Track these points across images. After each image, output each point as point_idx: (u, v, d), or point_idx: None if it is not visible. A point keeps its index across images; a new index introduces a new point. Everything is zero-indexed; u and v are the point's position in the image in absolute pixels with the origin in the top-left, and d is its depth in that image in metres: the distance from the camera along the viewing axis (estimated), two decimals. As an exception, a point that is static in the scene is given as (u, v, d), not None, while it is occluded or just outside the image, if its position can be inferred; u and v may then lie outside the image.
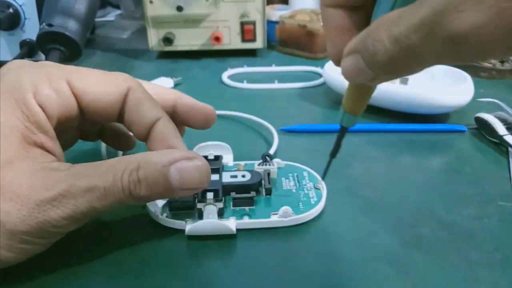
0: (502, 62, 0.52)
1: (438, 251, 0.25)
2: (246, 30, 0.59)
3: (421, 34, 0.15)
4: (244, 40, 0.60)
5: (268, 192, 0.28)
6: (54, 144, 0.23)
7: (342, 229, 0.26)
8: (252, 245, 0.25)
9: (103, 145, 0.35)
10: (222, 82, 0.52)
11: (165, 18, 0.58)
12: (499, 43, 0.13)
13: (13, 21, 0.52)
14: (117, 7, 0.90)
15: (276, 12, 0.68)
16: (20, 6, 0.52)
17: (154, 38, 0.60)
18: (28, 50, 0.53)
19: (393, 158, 0.35)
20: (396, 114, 0.41)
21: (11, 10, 0.52)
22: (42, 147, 0.22)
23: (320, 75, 0.54)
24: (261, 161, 0.30)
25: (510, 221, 0.27)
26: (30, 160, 0.21)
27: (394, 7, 0.17)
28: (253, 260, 0.24)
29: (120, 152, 0.34)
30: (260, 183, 0.28)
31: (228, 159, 0.32)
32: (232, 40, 0.60)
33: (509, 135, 0.35)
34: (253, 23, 0.59)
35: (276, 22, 0.65)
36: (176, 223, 0.26)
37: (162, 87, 0.30)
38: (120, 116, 0.26)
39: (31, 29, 0.53)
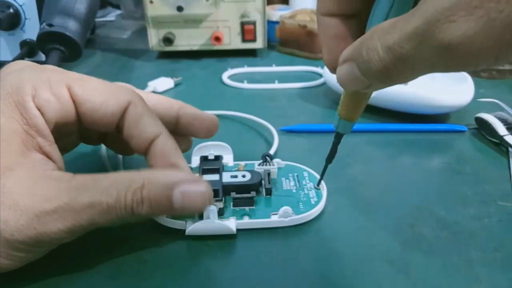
0: (502, 62, 0.52)
1: (438, 251, 0.25)
2: (246, 30, 0.59)
3: (413, 43, 0.15)
4: (244, 40, 0.60)
5: (268, 192, 0.28)
6: (53, 149, 0.23)
7: (342, 229, 0.26)
8: (252, 245, 0.25)
9: (103, 147, 0.35)
10: (222, 82, 0.52)
11: (165, 18, 0.58)
12: (489, 53, 0.14)
13: (13, 21, 0.52)
14: (117, 7, 0.90)
15: (276, 12, 0.68)
16: (20, 6, 0.52)
17: (154, 38, 0.60)
18: (28, 50, 0.53)
19: (393, 158, 0.35)
20: (396, 114, 0.41)
21: (11, 10, 0.52)
22: (41, 152, 0.22)
23: (320, 75, 0.54)
24: (261, 161, 0.30)
25: (510, 221, 0.27)
26: (30, 167, 0.21)
27: (388, 16, 0.18)
28: (253, 260, 0.24)
29: (120, 156, 0.34)
30: (260, 183, 0.28)
31: (228, 159, 0.32)
32: (232, 40, 0.60)
33: (509, 135, 0.35)
34: (253, 23, 0.59)
35: (276, 22, 0.65)
36: (177, 223, 0.26)
37: (166, 98, 0.30)
38: (119, 128, 0.25)
39: (31, 29, 0.53)
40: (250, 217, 0.26)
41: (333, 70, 0.20)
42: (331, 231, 0.26)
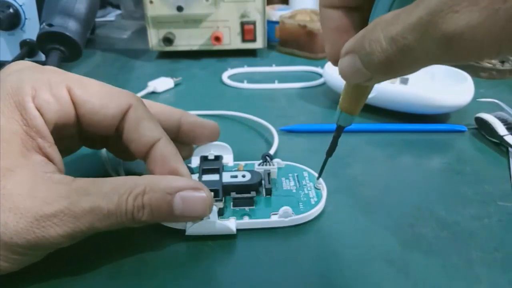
0: (502, 62, 0.52)
1: (438, 251, 0.25)
2: (246, 30, 0.59)
3: (417, 34, 0.15)
4: (244, 40, 0.60)
5: (268, 192, 0.28)
6: (53, 150, 0.23)
7: (342, 229, 0.26)
8: (252, 245, 0.25)
9: (103, 149, 0.34)
10: (222, 82, 0.52)
11: (165, 18, 0.58)
12: (493, 43, 0.14)
13: (13, 21, 0.52)
14: (117, 7, 0.90)
15: (276, 12, 0.68)
16: (20, 6, 0.52)
17: (154, 38, 0.60)
18: (28, 50, 0.53)
19: (393, 158, 0.35)
20: (396, 114, 0.41)
21: (11, 10, 0.52)
22: (41, 153, 0.22)
23: (320, 75, 0.54)
24: (261, 161, 0.30)
25: (510, 221, 0.27)
26: (31, 169, 0.21)
27: (391, 8, 0.18)
28: (253, 260, 0.24)
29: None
30: (260, 183, 0.28)
31: (228, 159, 0.32)
32: (232, 40, 0.60)
33: (509, 135, 0.35)
34: (253, 23, 0.59)
35: (276, 22, 0.65)
36: (177, 223, 0.26)
37: (167, 107, 0.30)
38: (119, 131, 0.25)
39: (31, 29, 0.53)
40: (250, 217, 0.26)
41: (335, 62, 0.20)
42: (331, 231, 0.26)
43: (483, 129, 0.38)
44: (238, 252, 0.25)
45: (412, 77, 0.42)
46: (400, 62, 0.16)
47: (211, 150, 0.32)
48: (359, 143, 0.37)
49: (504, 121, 0.36)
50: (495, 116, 0.37)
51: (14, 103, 0.22)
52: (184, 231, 0.25)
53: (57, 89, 0.23)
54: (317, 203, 0.27)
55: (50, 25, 0.48)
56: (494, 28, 0.13)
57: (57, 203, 0.20)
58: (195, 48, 0.61)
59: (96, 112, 0.24)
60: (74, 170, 0.28)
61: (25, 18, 0.53)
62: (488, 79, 0.51)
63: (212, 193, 0.26)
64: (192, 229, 0.25)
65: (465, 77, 0.41)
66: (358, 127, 0.39)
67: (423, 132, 0.39)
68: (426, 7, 0.14)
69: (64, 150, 0.27)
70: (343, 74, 0.19)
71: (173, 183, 0.23)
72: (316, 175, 0.30)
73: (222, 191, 0.27)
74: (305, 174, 0.30)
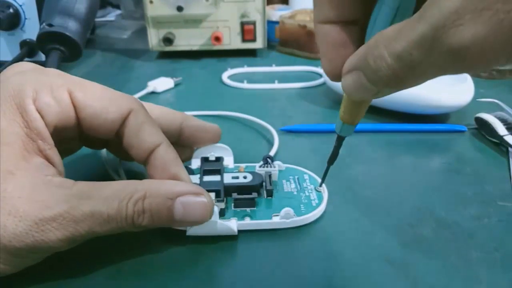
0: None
1: (438, 251, 0.25)
2: (246, 30, 0.59)
3: (422, 50, 0.15)
4: (244, 40, 0.60)
5: (270, 193, 0.28)
6: (53, 152, 0.23)
7: (342, 230, 0.26)
8: (253, 246, 0.25)
9: (104, 149, 0.34)
10: (222, 82, 0.52)
11: (165, 18, 0.58)
12: (501, 54, 0.13)
13: (13, 21, 0.52)
14: (117, 7, 0.90)
15: (276, 12, 0.68)
16: (20, 6, 0.52)
17: (154, 38, 0.60)
18: (28, 50, 0.53)
19: (393, 158, 0.35)
20: (396, 114, 0.41)
21: (11, 10, 0.52)
22: (42, 155, 0.22)
23: (320, 75, 0.54)
24: (262, 163, 0.30)
25: (510, 221, 0.27)
26: (31, 171, 0.21)
27: (393, 22, 0.17)
28: (254, 261, 0.24)
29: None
30: (261, 185, 0.28)
31: (228, 161, 0.31)
32: (232, 40, 0.60)
33: (509, 135, 0.35)
34: (253, 23, 0.59)
35: (276, 22, 0.65)
36: (177, 224, 0.26)
37: (169, 110, 0.30)
38: (119, 136, 0.25)
39: (31, 29, 0.53)
40: (252, 218, 0.26)
41: (333, 77, 0.20)
42: (331, 231, 0.26)
43: (483, 129, 0.38)
44: (239, 253, 0.25)
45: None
46: (408, 77, 0.16)
47: (211, 152, 0.32)
48: (359, 143, 0.37)
49: (504, 121, 0.36)
50: (495, 116, 0.37)
51: (15, 105, 0.22)
52: (185, 231, 0.25)
53: (58, 92, 0.23)
54: (318, 205, 0.27)
55: (50, 25, 0.48)
56: (500, 39, 0.13)
57: (57, 206, 0.20)
58: (195, 48, 0.61)
59: (96, 116, 0.24)
60: (74, 170, 0.28)
61: (25, 18, 0.53)
62: (488, 79, 0.51)
63: (214, 199, 0.26)
64: (193, 229, 0.25)
65: (465, 77, 0.41)
66: (359, 127, 0.38)
67: (423, 132, 0.39)
68: (428, 22, 0.14)
69: (64, 151, 0.27)
70: (348, 91, 0.19)
71: (173, 188, 0.23)
72: (317, 177, 0.30)
73: (223, 192, 0.27)
74: (306, 177, 0.30)
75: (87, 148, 0.31)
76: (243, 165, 0.31)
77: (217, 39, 0.59)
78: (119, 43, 0.72)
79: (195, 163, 0.31)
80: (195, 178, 0.28)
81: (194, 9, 0.57)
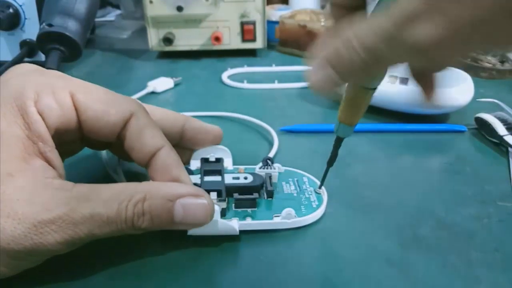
0: (502, 62, 0.52)
1: (438, 252, 0.25)
2: (246, 30, 0.59)
3: (388, 44, 0.16)
4: (244, 40, 0.60)
5: (270, 194, 0.28)
6: (53, 155, 0.22)
7: (343, 230, 0.26)
8: (253, 246, 0.25)
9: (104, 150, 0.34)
10: (222, 82, 0.52)
11: (165, 18, 0.58)
12: (458, 49, 0.15)
13: (13, 21, 0.52)
14: (117, 7, 0.90)
15: (276, 12, 0.68)
16: (20, 6, 0.52)
17: (154, 38, 0.60)
18: (28, 50, 0.53)
19: (393, 158, 0.35)
20: (396, 114, 0.41)
21: (11, 10, 0.52)
22: (42, 157, 0.22)
23: (320, 75, 0.54)
24: (261, 164, 0.30)
25: (510, 221, 0.27)
26: (31, 174, 0.21)
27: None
28: (255, 262, 0.24)
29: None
30: (262, 185, 0.28)
31: (227, 162, 0.31)
32: (232, 40, 0.60)
33: (509, 135, 0.35)
34: (253, 23, 0.59)
35: (276, 22, 0.65)
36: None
37: (171, 112, 0.30)
38: (121, 139, 0.25)
39: (31, 29, 0.53)
40: (253, 218, 0.26)
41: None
42: (331, 231, 0.26)
43: (483, 129, 0.38)
44: (240, 254, 0.25)
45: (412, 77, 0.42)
46: (375, 67, 0.17)
47: (210, 153, 0.31)
48: (359, 143, 0.37)
49: (504, 121, 0.36)
50: (495, 116, 0.37)
51: (17, 106, 0.22)
52: (186, 232, 0.25)
53: (60, 94, 0.23)
54: (318, 206, 0.27)
55: (50, 25, 0.48)
56: (456, 36, 0.14)
57: (56, 209, 0.20)
58: (195, 48, 0.61)
59: (98, 119, 0.24)
60: (74, 170, 0.28)
61: (25, 18, 0.53)
62: (488, 79, 0.51)
63: (215, 198, 0.26)
64: (195, 229, 0.25)
65: (465, 77, 0.41)
66: (358, 127, 0.38)
67: (423, 132, 0.39)
68: (392, 20, 0.15)
69: (65, 152, 0.27)
70: (317, 86, 0.19)
71: (173, 190, 0.23)
72: (316, 180, 0.30)
73: (225, 191, 0.27)
74: (305, 179, 0.30)
75: (88, 148, 0.31)
76: (242, 167, 0.31)
77: (217, 39, 0.59)
78: (119, 43, 0.72)
79: (194, 164, 0.31)
80: (195, 179, 0.28)
81: (194, 9, 0.57)
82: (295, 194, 0.29)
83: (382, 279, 0.23)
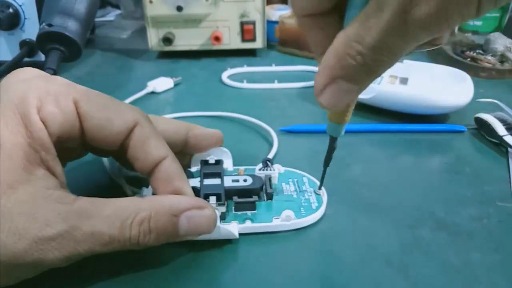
0: (501, 62, 0.52)
1: (437, 252, 0.25)
2: (246, 30, 0.59)
3: (394, 34, 0.16)
4: (244, 40, 0.60)
5: (270, 196, 0.28)
6: (55, 163, 0.22)
7: (342, 230, 0.26)
8: (253, 248, 0.25)
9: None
10: (222, 82, 0.52)
11: (165, 18, 0.58)
12: (449, 21, 0.16)
13: (13, 21, 0.52)
14: (117, 7, 0.90)
15: (276, 12, 0.68)
16: (20, 6, 0.52)
17: (154, 38, 0.60)
18: (28, 50, 0.53)
19: (393, 158, 0.35)
20: (396, 114, 0.41)
21: (11, 10, 0.52)
22: (44, 166, 0.22)
23: (320, 75, 0.54)
24: (261, 166, 0.30)
25: (510, 222, 0.27)
26: (32, 185, 0.21)
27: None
28: (255, 264, 0.24)
29: None
30: (262, 188, 0.28)
31: (227, 164, 0.31)
32: (232, 40, 0.60)
33: (509, 136, 0.35)
34: (253, 23, 0.59)
35: (276, 22, 0.65)
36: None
37: (174, 121, 0.30)
38: (124, 148, 0.25)
39: (31, 29, 0.53)
40: (252, 221, 0.26)
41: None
42: (331, 232, 0.26)
43: (483, 129, 0.38)
44: (239, 256, 0.25)
45: (412, 77, 0.42)
46: (388, 60, 0.17)
47: (211, 155, 0.31)
48: (359, 143, 0.37)
49: (503, 121, 0.36)
50: (495, 116, 0.37)
51: (19, 114, 0.21)
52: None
53: (64, 101, 0.23)
54: (318, 207, 0.27)
55: (50, 25, 0.48)
56: (443, 12, 0.15)
57: (57, 225, 0.20)
58: (194, 48, 0.60)
59: (101, 128, 0.24)
60: (76, 174, 0.28)
61: (25, 18, 0.53)
62: (487, 79, 0.51)
63: (214, 202, 0.26)
64: None
65: (464, 77, 0.41)
66: (358, 127, 0.39)
67: (423, 132, 0.39)
68: (391, 10, 0.16)
69: (67, 158, 0.26)
70: (332, 104, 0.20)
71: (178, 205, 0.23)
72: (316, 180, 0.30)
73: (224, 195, 0.27)
74: (305, 180, 0.30)
75: (90, 153, 0.31)
76: (242, 168, 0.31)
77: (217, 39, 0.59)
78: (118, 43, 0.72)
79: (194, 166, 0.31)
80: (195, 182, 0.28)
81: (193, 9, 0.57)
82: (294, 196, 0.29)
83: (382, 279, 0.23)
